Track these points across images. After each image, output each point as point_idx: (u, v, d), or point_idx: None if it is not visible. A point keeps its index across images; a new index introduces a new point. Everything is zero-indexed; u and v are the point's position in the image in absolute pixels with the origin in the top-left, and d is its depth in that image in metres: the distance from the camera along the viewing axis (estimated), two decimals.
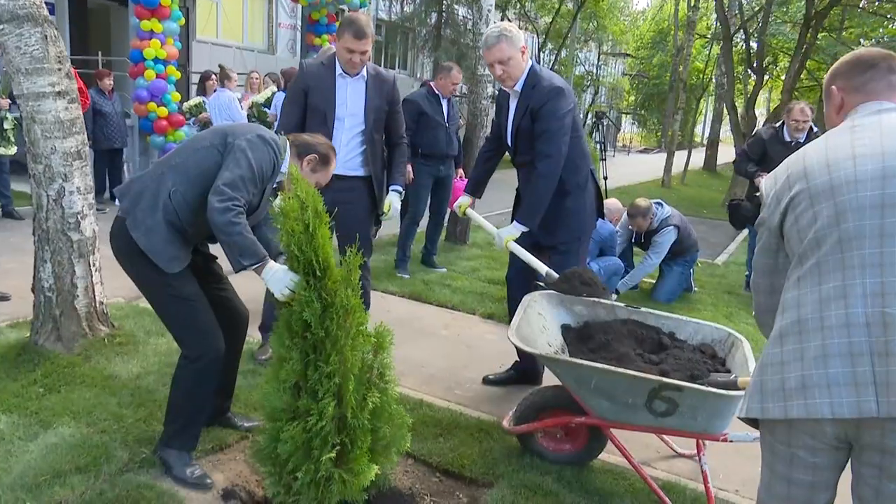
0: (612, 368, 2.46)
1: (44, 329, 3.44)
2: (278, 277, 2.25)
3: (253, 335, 3.52)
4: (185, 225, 2.39)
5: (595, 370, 2.46)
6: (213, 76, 8.63)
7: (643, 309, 3.04)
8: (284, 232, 2.20)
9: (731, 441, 2.49)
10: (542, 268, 3.14)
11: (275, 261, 2.40)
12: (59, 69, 3.20)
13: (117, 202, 2.56)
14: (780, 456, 1.62)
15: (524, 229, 3.23)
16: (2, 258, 5.20)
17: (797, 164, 1.64)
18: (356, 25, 3.25)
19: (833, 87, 1.72)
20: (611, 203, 5.36)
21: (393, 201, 3.58)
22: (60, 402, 2.94)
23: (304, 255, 2.08)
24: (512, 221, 3.26)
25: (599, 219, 4.97)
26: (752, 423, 1.68)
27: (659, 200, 5.57)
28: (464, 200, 3.59)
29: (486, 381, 3.68)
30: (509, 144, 3.39)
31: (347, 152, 3.45)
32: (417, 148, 5.54)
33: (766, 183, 1.74)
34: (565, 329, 3.01)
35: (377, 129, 3.51)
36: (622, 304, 3.07)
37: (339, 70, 3.38)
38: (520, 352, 3.63)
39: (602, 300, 3.07)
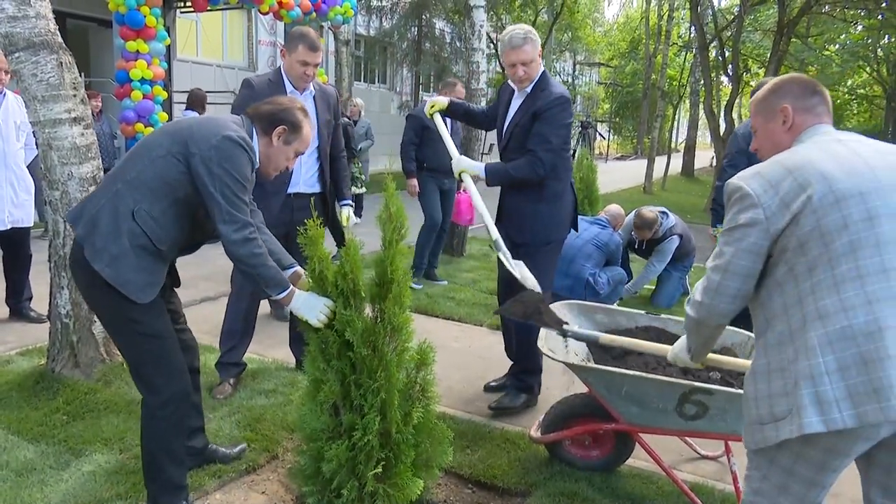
0: (644, 374, 2.53)
1: (61, 356, 3.42)
2: (311, 304, 2.21)
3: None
4: (156, 245, 2.17)
5: (626, 377, 2.53)
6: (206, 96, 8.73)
7: (663, 315, 3.12)
8: (314, 257, 2.23)
9: None
10: (514, 270, 2.98)
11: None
12: (75, 95, 3.20)
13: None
14: (814, 463, 1.61)
15: (481, 175, 3.26)
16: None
17: (804, 166, 1.65)
18: (309, 38, 3.30)
19: (786, 105, 1.80)
20: (613, 209, 5.45)
21: (350, 214, 3.69)
22: (88, 429, 2.92)
23: (345, 278, 2.12)
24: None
25: (614, 231, 5.09)
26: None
27: (664, 210, 5.65)
28: (439, 100, 3.56)
29: (487, 388, 3.74)
30: (502, 139, 3.45)
31: (307, 169, 3.49)
32: (423, 162, 5.69)
33: (758, 183, 1.68)
34: None
35: (328, 142, 3.56)
36: (642, 312, 3.14)
37: (289, 87, 3.39)
38: (511, 354, 3.70)
39: (620, 309, 3.15)
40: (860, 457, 1.67)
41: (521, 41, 3.17)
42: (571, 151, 3.52)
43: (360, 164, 9.31)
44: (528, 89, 3.29)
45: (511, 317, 2.97)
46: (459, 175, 3.30)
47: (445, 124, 3.53)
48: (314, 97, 3.46)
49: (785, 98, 1.82)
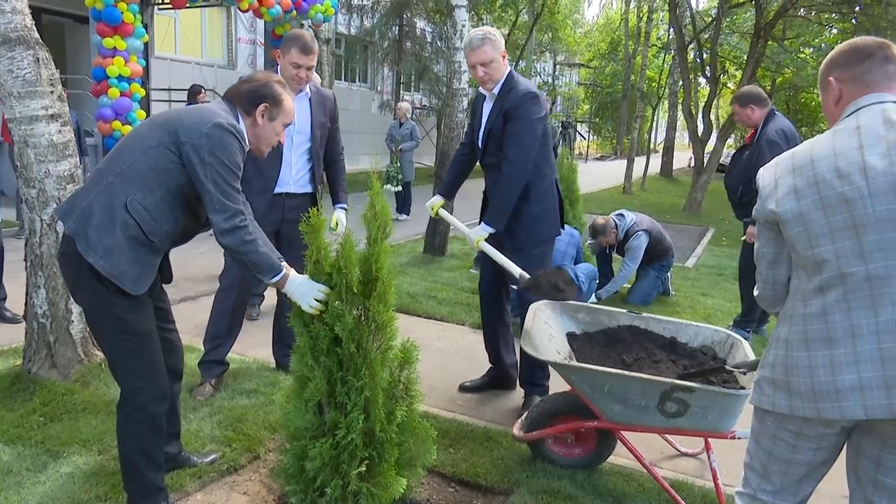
0: (627, 373, 2.55)
1: (37, 356, 3.36)
2: (304, 290, 2.19)
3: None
4: (149, 237, 2.15)
5: (609, 375, 2.55)
6: (203, 90, 8.68)
7: (644, 314, 3.15)
8: (315, 246, 2.22)
9: (738, 438, 2.60)
10: (516, 270, 3.14)
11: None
12: (52, 92, 3.15)
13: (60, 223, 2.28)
14: (785, 441, 1.73)
15: (491, 230, 3.27)
16: None
17: (803, 167, 1.64)
18: (303, 40, 3.31)
19: (830, 77, 1.70)
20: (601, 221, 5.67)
21: (340, 218, 3.64)
22: (66, 430, 2.87)
23: (341, 271, 2.11)
24: (480, 223, 3.34)
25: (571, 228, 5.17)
26: None
27: (620, 212, 5.80)
28: (436, 201, 3.67)
29: (462, 388, 3.75)
30: (479, 146, 3.46)
31: (297, 170, 3.48)
32: None
33: (769, 174, 1.72)
34: (571, 336, 3.09)
35: (321, 145, 3.54)
36: (624, 311, 3.17)
37: None
38: (493, 358, 3.73)
39: (602, 308, 3.18)
40: (849, 451, 1.73)
41: (480, 42, 3.21)
42: (553, 147, 3.52)
43: (400, 164, 9.60)
44: (497, 91, 3.30)
45: (535, 293, 3.09)
46: (477, 246, 3.32)
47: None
48: (310, 99, 3.46)
49: (832, 70, 1.70)
